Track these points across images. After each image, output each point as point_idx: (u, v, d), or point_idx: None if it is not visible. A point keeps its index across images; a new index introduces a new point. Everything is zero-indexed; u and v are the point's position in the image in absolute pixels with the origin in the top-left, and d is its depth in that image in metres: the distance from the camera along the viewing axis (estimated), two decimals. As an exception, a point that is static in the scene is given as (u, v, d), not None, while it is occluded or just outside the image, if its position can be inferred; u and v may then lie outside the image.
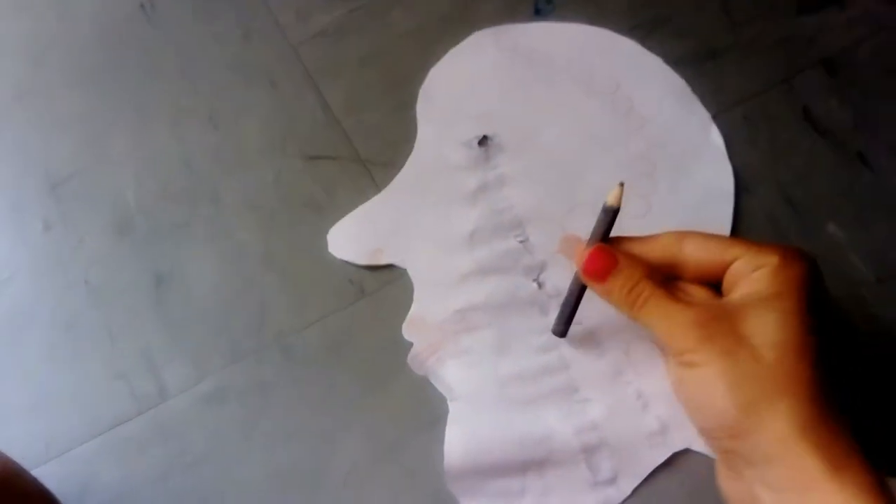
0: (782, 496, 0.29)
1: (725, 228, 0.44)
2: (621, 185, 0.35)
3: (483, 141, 0.46)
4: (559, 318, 0.40)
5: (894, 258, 0.44)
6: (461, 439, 0.39)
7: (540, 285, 0.43)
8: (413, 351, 0.41)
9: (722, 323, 0.31)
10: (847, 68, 0.49)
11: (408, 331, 0.42)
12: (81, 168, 0.45)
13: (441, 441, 0.39)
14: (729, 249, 0.33)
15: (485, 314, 0.42)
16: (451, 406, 0.40)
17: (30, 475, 0.34)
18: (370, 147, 0.46)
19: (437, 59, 0.48)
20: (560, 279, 0.43)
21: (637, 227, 0.43)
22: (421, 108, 0.47)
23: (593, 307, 0.41)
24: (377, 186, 0.45)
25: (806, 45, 0.50)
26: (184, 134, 0.46)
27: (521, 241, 0.44)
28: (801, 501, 0.29)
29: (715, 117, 0.47)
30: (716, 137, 0.47)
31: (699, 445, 0.39)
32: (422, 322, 0.42)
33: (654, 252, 0.34)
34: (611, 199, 0.35)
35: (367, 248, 0.43)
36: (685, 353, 0.32)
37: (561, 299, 0.42)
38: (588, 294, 0.40)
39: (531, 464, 0.39)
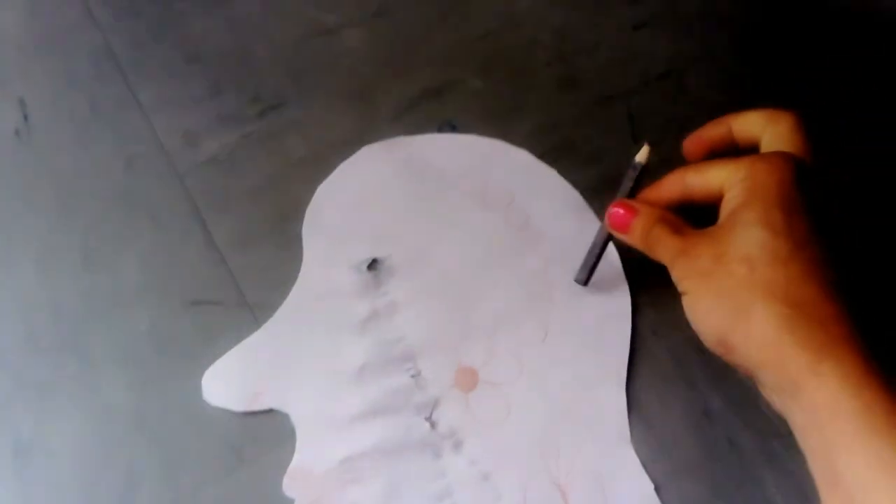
0: (783, 402, 0.30)
1: (624, 349, 0.43)
2: (649, 144, 0.39)
3: (373, 264, 0.44)
4: (583, 266, 0.42)
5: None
6: None
7: (433, 425, 0.40)
8: None
9: (704, 247, 0.33)
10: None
11: (289, 485, 0.39)
12: (-63, 315, 0.41)
13: None
14: (716, 175, 0.35)
15: (374, 461, 0.39)
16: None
17: None
18: (257, 290, 0.43)
19: (333, 189, 0.46)
20: (454, 417, 0.41)
21: (535, 354, 0.42)
22: (307, 229, 0.45)
23: (486, 443, 0.40)
24: (263, 335, 0.42)
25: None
26: (54, 275, 0.43)
27: (412, 376, 0.41)
28: (795, 404, 0.29)
29: (628, 250, 0.45)
30: (612, 252, 0.45)
31: None
32: (305, 474, 0.39)
33: (664, 193, 0.37)
34: (639, 157, 0.39)
35: (246, 391, 0.40)
36: (678, 281, 0.34)
37: (455, 439, 0.40)
38: (478, 436, 0.39)
39: None
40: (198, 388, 0.40)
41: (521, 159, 0.48)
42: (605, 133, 0.49)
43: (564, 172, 0.48)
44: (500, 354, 0.42)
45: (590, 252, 0.42)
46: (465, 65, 0.51)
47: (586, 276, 0.42)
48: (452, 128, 0.49)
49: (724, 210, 0.33)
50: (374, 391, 0.41)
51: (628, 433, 0.41)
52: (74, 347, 0.41)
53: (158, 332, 0.41)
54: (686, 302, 0.34)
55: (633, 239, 0.37)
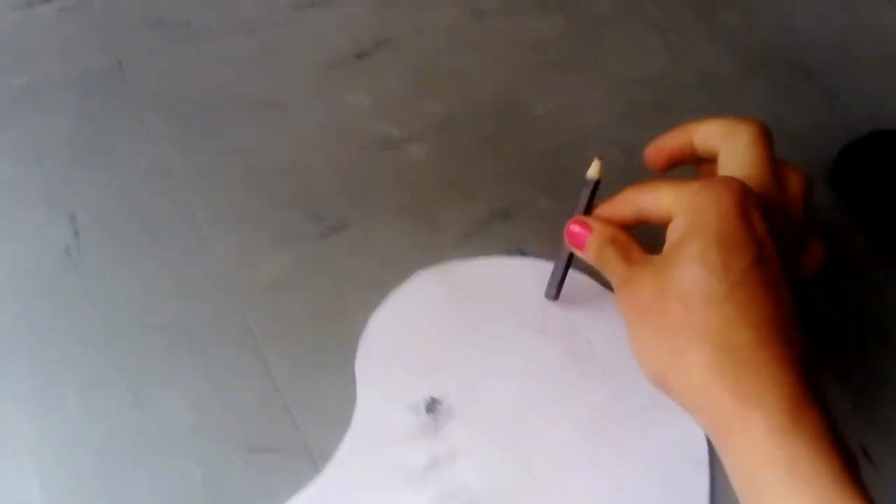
0: (716, 444, 0.31)
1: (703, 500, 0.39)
2: (600, 158, 0.38)
3: (431, 406, 0.41)
4: (551, 283, 0.43)
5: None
6: None
7: None
8: None
9: (647, 279, 0.32)
10: (839, 328, 0.46)
11: None
12: (-26, 454, 0.39)
13: None
14: (666, 198, 0.34)
15: None
16: None
17: None
18: (318, 432, 0.40)
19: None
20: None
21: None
22: (361, 364, 0.42)
23: None
24: (324, 487, 0.39)
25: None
26: (100, 414, 0.40)
27: None
28: (726, 448, 0.30)
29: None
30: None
31: None
32: None
33: (618, 212, 0.37)
34: (590, 172, 0.38)
35: None
36: (622, 311, 0.34)
37: None
38: None
39: None
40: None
41: (581, 285, 0.45)
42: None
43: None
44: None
45: (555, 267, 0.42)
46: (533, 182, 0.49)
47: (555, 291, 0.43)
48: (522, 254, 0.46)
49: (669, 238, 0.33)
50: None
51: None
52: (120, 496, 0.38)
53: (212, 480, 0.38)
54: (628, 332, 0.33)
55: (588, 257, 0.37)
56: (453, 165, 0.49)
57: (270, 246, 0.45)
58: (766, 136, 0.35)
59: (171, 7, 0.54)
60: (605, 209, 0.38)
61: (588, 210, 0.38)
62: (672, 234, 0.33)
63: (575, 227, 0.38)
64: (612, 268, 0.35)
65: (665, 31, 0.56)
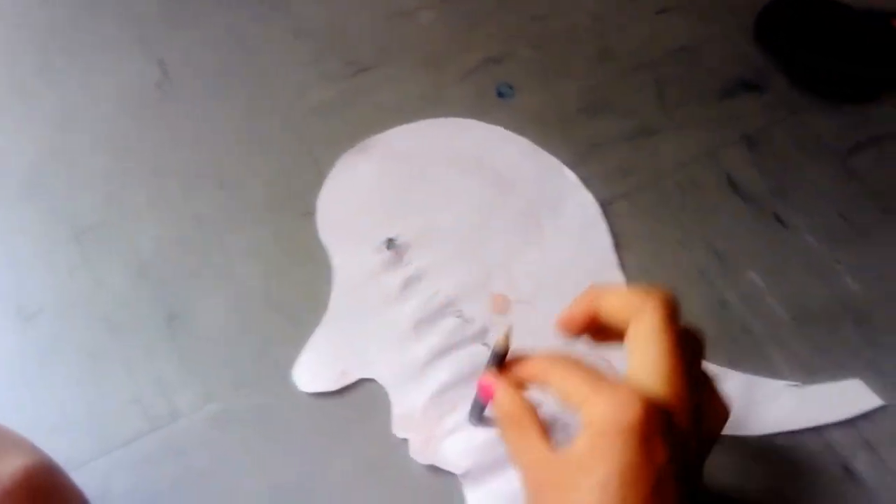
0: None
1: (607, 247, 0.52)
2: (508, 328, 0.38)
3: (390, 243, 0.51)
4: (472, 412, 0.43)
5: (806, 301, 0.52)
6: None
7: (489, 346, 0.47)
8: (411, 447, 0.44)
9: (548, 487, 0.33)
10: (764, 144, 0.58)
11: (398, 430, 0.45)
12: (103, 220, 0.51)
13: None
14: (575, 396, 0.33)
15: (456, 389, 0.46)
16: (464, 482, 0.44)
17: (69, 479, 0.38)
18: (358, 205, 0.53)
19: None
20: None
21: (535, 271, 0.51)
22: (323, 235, 0.52)
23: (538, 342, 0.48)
24: (364, 238, 0.52)
25: (729, 123, 0.59)
26: (195, 193, 0.53)
27: (458, 317, 0.48)
28: None
29: (652, 184, 0.56)
30: (568, 173, 0.55)
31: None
32: (407, 419, 0.45)
33: (530, 381, 0.37)
34: (497, 345, 0.38)
35: (333, 373, 0.46)
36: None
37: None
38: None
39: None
40: (317, 277, 0.50)
41: (471, 127, 0.57)
42: (636, 94, 0.60)
43: (602, 124, 0.58)
44: (518, 278, 0.50)
45: (474, 401, 0.43)
46: (520, 40, 0.62)
47: (476, 420, 0.44)
48: (509, 87, 0.59)
49: (575, 446, 0.32)
50: (433, 339, 0.47)
51: None
52: (215, 246, 0.51)
53: (282, 235, 0.51)
54: None
55: (497, 413, 0.37)
56: (455, 28, 0.62)
57: (317, 81, 0.58)
58: (672, 314, 0.34)
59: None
60: (519, 370, 0.37)
61: (501, 363, 0.38)
62: (577, 445, 0.32)
63: (485, 383, 0.38)
64: (511, 448, 0.35)
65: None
